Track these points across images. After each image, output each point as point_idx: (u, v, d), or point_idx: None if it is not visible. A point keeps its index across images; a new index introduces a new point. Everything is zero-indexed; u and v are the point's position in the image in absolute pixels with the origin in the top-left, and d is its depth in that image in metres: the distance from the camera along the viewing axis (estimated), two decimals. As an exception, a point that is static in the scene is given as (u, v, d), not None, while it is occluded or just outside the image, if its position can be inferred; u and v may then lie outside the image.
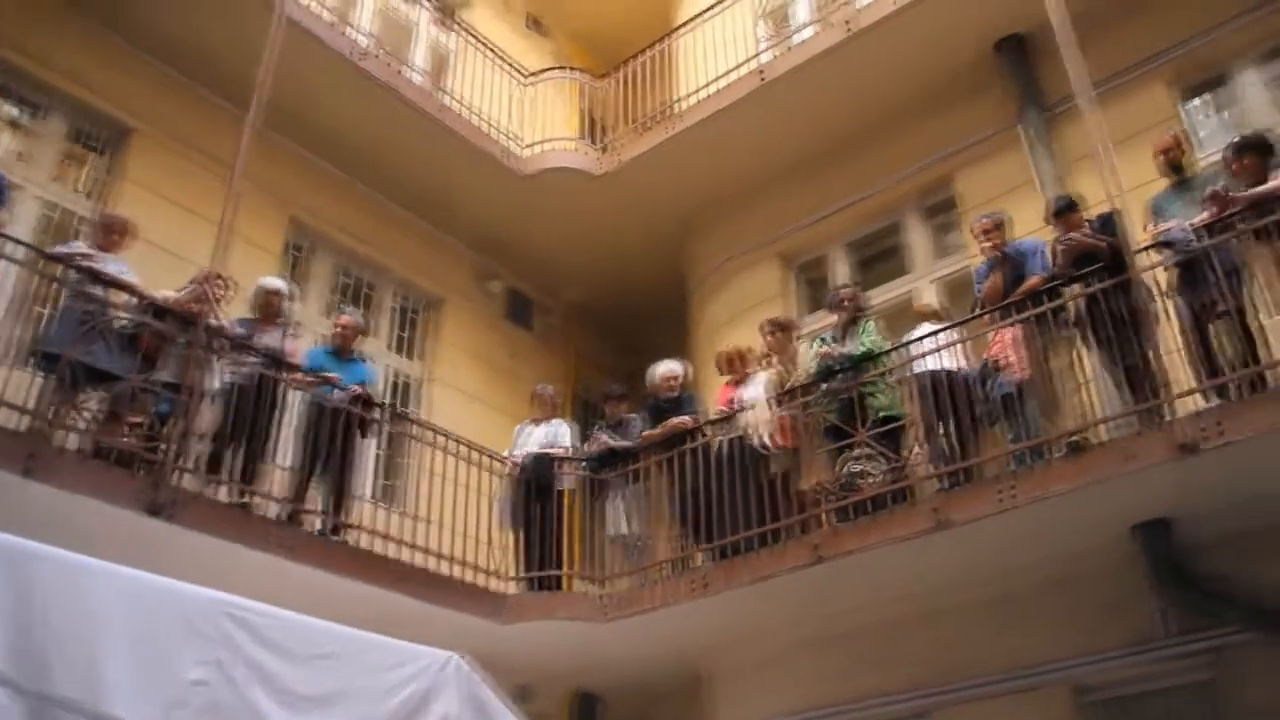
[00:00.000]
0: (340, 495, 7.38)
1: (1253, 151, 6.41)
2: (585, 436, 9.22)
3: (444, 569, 7.70)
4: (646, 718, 9.74)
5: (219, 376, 6.73)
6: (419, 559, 7.55)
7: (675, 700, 9.23)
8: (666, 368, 8.60)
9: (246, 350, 7.06)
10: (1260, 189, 6.15)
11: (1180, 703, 6.54)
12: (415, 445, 8.35)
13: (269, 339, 7.37)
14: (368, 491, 8.50)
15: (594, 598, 8.10)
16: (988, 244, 7.18)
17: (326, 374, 7.53)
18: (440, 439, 8.07)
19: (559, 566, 8.20)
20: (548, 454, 8.41)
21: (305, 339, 8.95)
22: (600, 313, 12.26)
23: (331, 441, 7.27)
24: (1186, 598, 6.35)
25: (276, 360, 7.21)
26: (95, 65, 8.35)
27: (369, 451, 8.32)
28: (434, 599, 7.44)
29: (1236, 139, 6.64)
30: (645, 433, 8.38)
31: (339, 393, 7.47)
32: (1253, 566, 6.23)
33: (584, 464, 8.61)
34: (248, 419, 6.85)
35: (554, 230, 11.04)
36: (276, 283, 7.71)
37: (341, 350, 7.93)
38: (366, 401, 7.70)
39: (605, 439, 8.55)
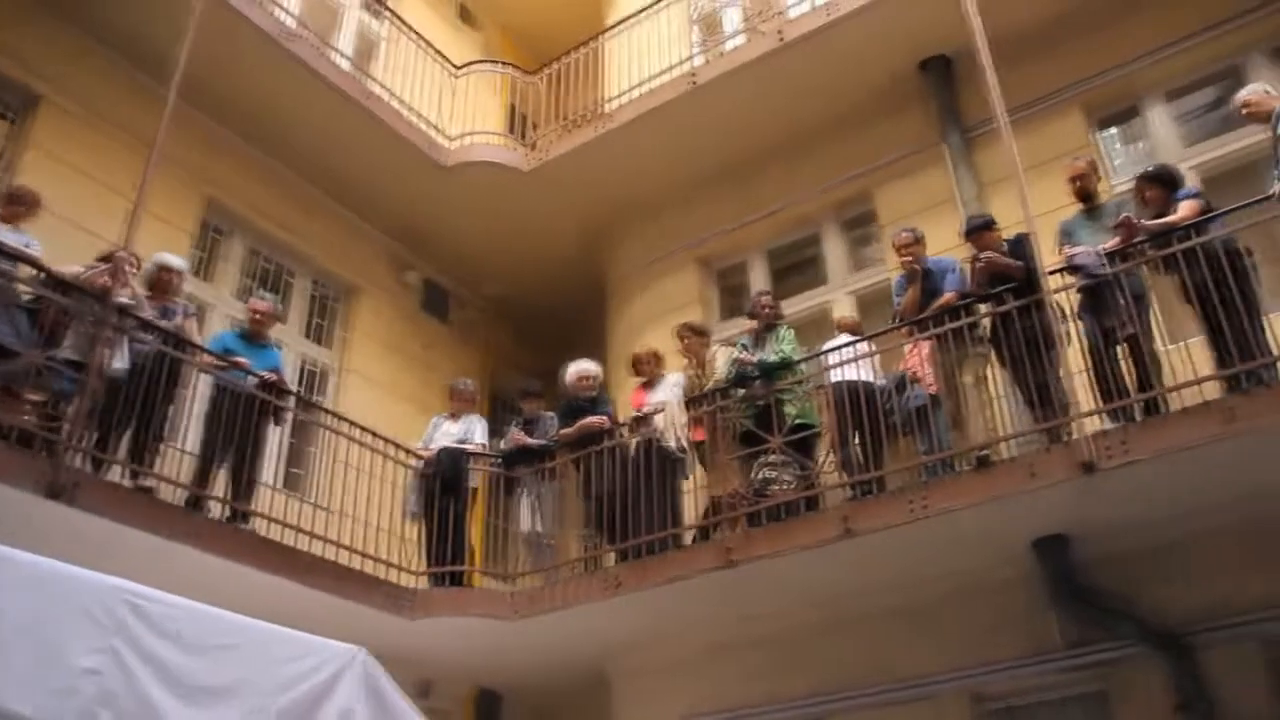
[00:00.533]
0: (247, 483, 7.26)
1: (1158, 183, 6.65)
2: (498, 433, 9.19)
3: (352, 562, 7.60)
4: (548, 717, 9.73)
5: (127, 356, 6.54)
6: (326, 550, 7.44)
7: (578, 701, 9.24)
8: (581, 367, 8.59)
9: (150, 329, 6.86)
10: (1164, 220, 6.38)
11: (1073, 712, 6.75)
12: (325, 435, 8.23)
13: (163, 317, 7.15)
14: (275, 480, 8.37)
15: (503, 595, 8.06)
16: (907, 258, 7.28)
17: (237, 358, 7.39)
18: (352, 429, 7.98)
19: (468, 562, 8.16)
20: (462, 449, 8.36)
21: (216, 322, 8.82)
22: (519, 309, 12.20)
23: (240, 427, 7.14)
24: (1081, 612, 6.55)
25: (178, 340, 7.04)
26: (2, 27, 8.02)
27: (277, 439, 8.20)
28: (340, 591, 7.33)
29: (1145, 170, 6.87)
30: (559, 431, 8.37)
31: (250, 378, 7.34)
32: (1144, 584, 6.46)
33: (497, 460, 8.58)
34: (154, 400, 6.69)
35: (476, 224, 10.97)
36: (175, 260, 7.44)
37: (254, 335, 7.79)
38: (278, 389, 7.57)
39: (520, 435, 8.52)
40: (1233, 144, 7.72)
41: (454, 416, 8.80)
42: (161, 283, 7.29)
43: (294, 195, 10.11)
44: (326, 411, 8.57)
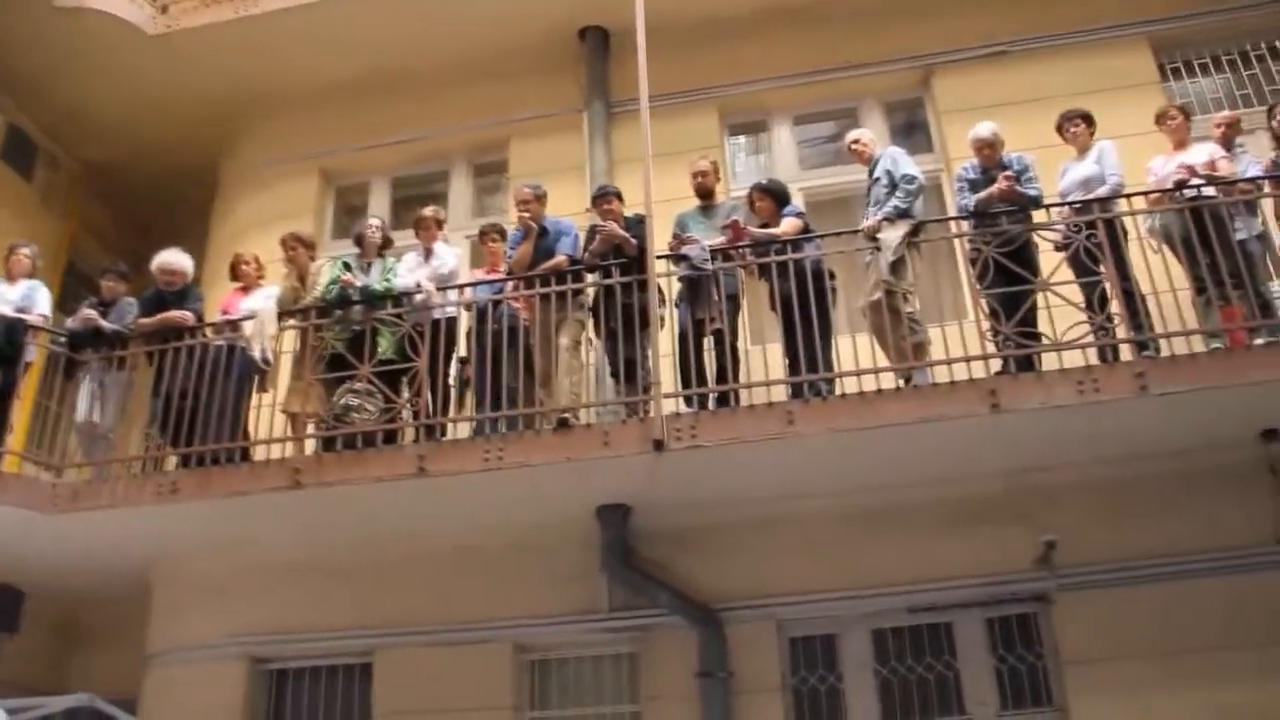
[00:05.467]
0: None
1: (770, 196, 7.28)
2: (69, 309, 8.41)
3: None
4: (75, 621, 9.11)
5: None
6: None
7: (115, 608, 8.71)
8: (173, 257, 7.95)
9: None
10: (768, 231, 6.99)
11: (605, 671, 7.19)
12: None
13: None
14: None
15: (45, 485, 7.37)
16: (525, 213, 7.36)
17: None
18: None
19: (7, 445, 7.43)
20: (21, 318, 7.57)
21: None
22: (119, 182, 11.18)
23: None
24: (629, 578, 6.98)
25: None
26: None
27: None
28: None
29: (760, 182, 7.48)
30: (138, 319, 7.78)
31: None
32: (689, 559, 7.02)
33: (61, 337, 7.85)
34: None
35: (85, 79, 9.92)
36: None
37: None
38: None
39: (93, 316, 7.83)
40: (839, 177, 8.55)
41: (10, 282, 7.93)
42: None
43: None
44: None
